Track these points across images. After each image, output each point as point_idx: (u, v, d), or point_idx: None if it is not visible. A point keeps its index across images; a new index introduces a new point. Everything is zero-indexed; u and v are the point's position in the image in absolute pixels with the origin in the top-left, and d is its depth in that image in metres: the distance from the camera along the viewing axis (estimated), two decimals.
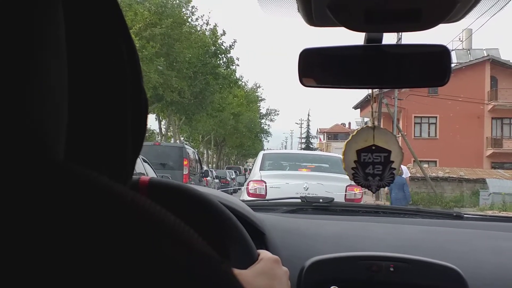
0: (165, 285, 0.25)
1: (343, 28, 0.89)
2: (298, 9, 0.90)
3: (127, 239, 0.26)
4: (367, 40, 0.96)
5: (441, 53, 0.96)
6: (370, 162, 1.01)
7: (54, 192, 0.26)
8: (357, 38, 1.00)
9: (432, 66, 0.97)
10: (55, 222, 0.25)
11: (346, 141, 1.04)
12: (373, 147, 1.01)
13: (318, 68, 0.99)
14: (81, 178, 0.28)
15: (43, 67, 0.30)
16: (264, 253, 0.74)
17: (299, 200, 1.71)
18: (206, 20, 32.77)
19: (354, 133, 1.04)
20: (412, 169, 19.40)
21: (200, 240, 0.29)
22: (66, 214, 0.26)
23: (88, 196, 0.27)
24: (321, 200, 1.65)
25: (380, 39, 0.95)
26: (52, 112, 0.30)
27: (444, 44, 1.01)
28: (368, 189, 1.03)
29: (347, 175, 1.05)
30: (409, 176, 12.48)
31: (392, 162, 1.01)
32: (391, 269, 1.08)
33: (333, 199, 1.68)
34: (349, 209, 1.73)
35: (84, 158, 0.38)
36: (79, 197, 0.27)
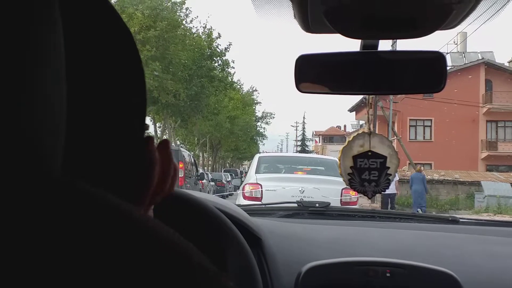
0: None
1: (339, 35, 0.89)
2: (294, 16, 0.90)
3: (124, 253, 0.26)
4: (363, 46, 0.96)
5: (436, 59, 0.96)
6: (366, 168, 1.02)
7: (47, 205, 0.26)
8: (353, 45, 1.00)
9: (428, 73, 0.97)
10: (48, 236, 0.25)
11: (343, 146, 1.05)
12: (369, 153, 1.01)
13: (314, 74, 1.00)
14: (74, 191, 0.28)
15: (38, 78, 0.29)
16: None
17: (295, 205, 1.71)
18: (204, 24, 32.80)
19: (350, 138, 1.05)
20: (407, 171, 19.43)
21: (199, 253, 0.29)
22: (59, 228, 0.25)
23: (84, 210, 0.27)
24: (317, 205, 1.65)
25: (376, 46, 0.96)
26: (48, 123, 0.30)
27: (439, 49, 1.02)
28: (364, 195, 1.04)
29: (343, 180, 1.05)
30: (398, 180, 12.86)
31: (388, 168, 1.01)
32: (388, 274, 1.08)
33: (329, 203, 1.68)
34: (345, 213, 1.74)
35: (99, 170, 0.39)
36: (73, 210, 0.26)
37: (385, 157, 1.00)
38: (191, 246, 0.29)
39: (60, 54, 0.31)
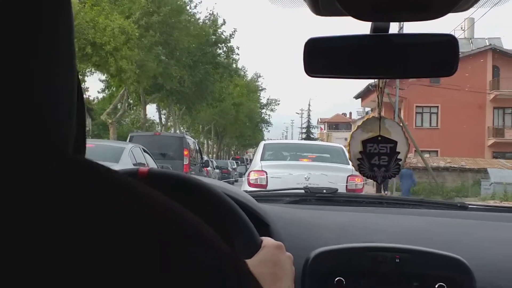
0: (187, 283, 0.25)
1: (348, 18, 0.88)
2: None
3: (146, 235, 0.26)
4: (374, 29, 0.94)
5: (448, 42, 0.95)
6: (376, 153, 1.01)
7: (71, 185, 0.27)
8: (362, 28, 0.98)
9: (439, 56, 0.96)
10: (74, 214, 0.25)
11: (352, 131, 1.04)
12: (379, 138, 1.00)
13: (323, 58, 0.98)
14: (96, 172, 0.28)
15: (53, 65, 0.29)
16: (266, 240, 0.74)
17: (303, 191, 1.70)
18: (210, 11, 32.54)
19: (360, 123, 1.03)
20: (413, 159, 19.43)
21: (220, 239, 0.29)
22: (82, 207, 0.26)
23: (106, 190, 0.27)
24: (324, 191, 1.64)
25: (387, 29, 0.94)
26: (63, 109, 0.30)
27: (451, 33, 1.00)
28: (374, 180, 1.03)
29: (353, 165, 1.04)
30: None
31: (398, 153, 1.00)
32: (397, 260, 1.08)
33: (337, 189, 1.67)
34: (353, 199, 1.73)
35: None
36: (95, 190, 0.27)
37: (395, 142, 0.99)
38: (213, 232, 0.30)
39: (72, 45, 0.32)
